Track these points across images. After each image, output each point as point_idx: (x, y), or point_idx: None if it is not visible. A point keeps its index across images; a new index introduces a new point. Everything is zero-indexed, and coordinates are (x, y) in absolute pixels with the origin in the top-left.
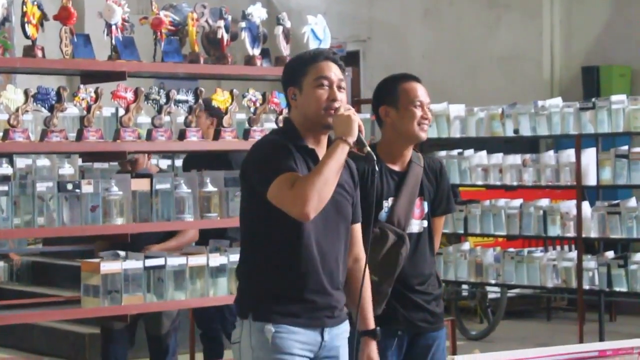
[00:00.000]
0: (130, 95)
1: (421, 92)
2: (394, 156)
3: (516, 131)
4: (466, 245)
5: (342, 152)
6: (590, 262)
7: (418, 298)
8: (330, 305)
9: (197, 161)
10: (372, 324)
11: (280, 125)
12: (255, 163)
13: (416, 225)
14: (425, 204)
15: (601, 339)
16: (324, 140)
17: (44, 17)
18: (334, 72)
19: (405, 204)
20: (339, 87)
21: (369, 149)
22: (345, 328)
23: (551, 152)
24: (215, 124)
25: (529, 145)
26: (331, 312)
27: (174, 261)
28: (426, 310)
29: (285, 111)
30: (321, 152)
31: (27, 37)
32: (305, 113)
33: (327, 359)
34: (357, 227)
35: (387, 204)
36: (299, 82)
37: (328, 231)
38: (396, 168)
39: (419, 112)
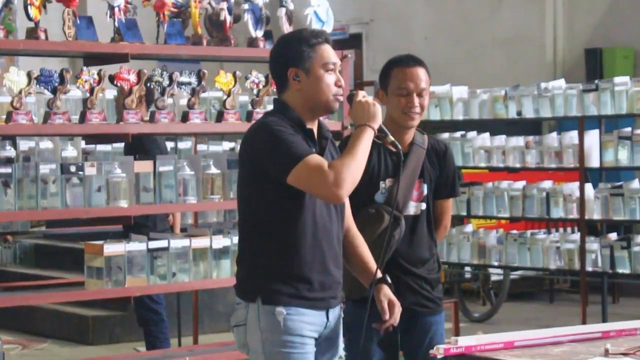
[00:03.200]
0: (133, 78)
1: (411, 78)
2: (394, 138)
3: (519, 113)
4: (469, 227)
5: (369, 138)
6: (593, 244)
7: (412, 281)
8: (334, 285)
9: (132, 145)
10: (379, 273)
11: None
12: (267, 146)
13: (412, 208)
14: (425, 187)
15: (604, 321)
16: (316, 121)
17: None
18: (334, 55)
19: (404, 186)
20: (339, 70)
21: (392, 138)
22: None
23: (554, 134)
24: (144, 101)
25: (532, 127)
26: (334, 293)
27: (177, 243)
28: (420, 294)
29: None
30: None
31: (29, 19)
32: (311, 96)
33: (329, 339)
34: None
35: (384, 185)
36: (305, 64)
37: (329, 212)
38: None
39: (403, 101)
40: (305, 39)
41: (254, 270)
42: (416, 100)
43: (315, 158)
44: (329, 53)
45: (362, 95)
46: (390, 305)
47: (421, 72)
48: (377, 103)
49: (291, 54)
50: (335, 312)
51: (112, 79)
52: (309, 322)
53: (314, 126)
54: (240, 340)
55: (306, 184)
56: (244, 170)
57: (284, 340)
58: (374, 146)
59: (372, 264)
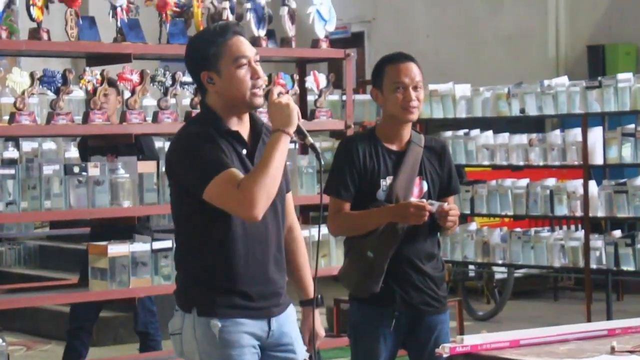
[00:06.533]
0: (136, 78)
1: (405, 73)
2: (391, 136)
3: (522, 111)
4: (473, 226)
5: (284, 145)
6: (597, 242)
7: (417, 280)
8: (276, 292)
9: (101, 147)
10: (311, 293)
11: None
12: (184, 161)
13: None
14: (424, 184)
15: (609, 319)
16: (246, 117)
17: None
18: (247, 47)
19: (403, 183)
20: (256, 61)
21: (311, 140)
22: (291, 312)
23: (557, 132)
24: (122, 102)
25: (535, 124)
26: (277, 300)
27: None
28: (425, 293)
29: (290, 92)
30: (244, 130)
31: (32, 19)
32: (229, 97)
33: (281, 346)
34: (289, 196)
35: (385, 182)
36: (214, 65)
37: (267, 217)
38: (394, 148)
39: (399, 96)
40: (210, 39)
41: (189, 280)
42: (413, 94)
43: (227, 176)
44: (239, 47)
45: (277, 93)
46: (311, 338)
47: (413, 67)
48: (290, 103)
49: (199, 57)
50: (281, 320)
51: (112, 82)
52: (248, 332)
53: (241, 126)
54: (177, 349)
55: (220, 202)
56: (170, 183)
57: (221, 353)
58: (373, 146)
59: (308, 276)
